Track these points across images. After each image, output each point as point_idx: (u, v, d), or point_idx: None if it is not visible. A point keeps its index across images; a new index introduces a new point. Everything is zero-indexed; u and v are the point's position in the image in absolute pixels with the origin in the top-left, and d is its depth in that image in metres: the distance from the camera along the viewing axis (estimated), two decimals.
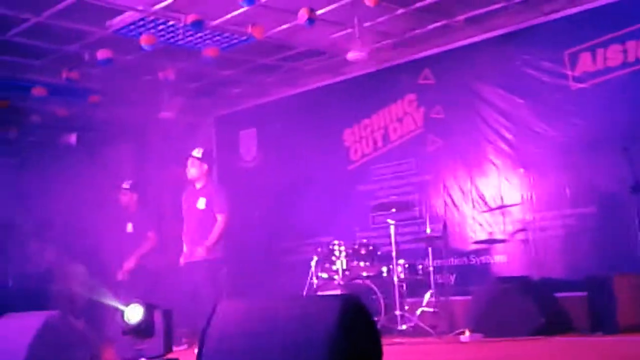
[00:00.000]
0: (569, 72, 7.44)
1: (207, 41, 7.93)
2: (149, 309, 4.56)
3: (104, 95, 9.11)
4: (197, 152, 7.36)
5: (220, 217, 7.18)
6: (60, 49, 7.91)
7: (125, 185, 8.52)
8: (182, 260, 7.25)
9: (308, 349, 3.26)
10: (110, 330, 4.84)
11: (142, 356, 4.49)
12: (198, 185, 7.35)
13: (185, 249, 7.30)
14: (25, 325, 4.59)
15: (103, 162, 10.60)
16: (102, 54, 7.61)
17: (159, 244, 8.35)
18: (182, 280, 7.24)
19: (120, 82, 8.89)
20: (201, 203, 7.26)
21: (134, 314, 4.55)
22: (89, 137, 10.39)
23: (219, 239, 7.17)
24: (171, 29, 7.51)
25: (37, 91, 8.45)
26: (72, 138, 10.11)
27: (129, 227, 8.38)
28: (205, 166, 7.36)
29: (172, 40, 7.80)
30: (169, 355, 4.60)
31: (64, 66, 8.14)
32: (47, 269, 8.86)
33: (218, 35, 7.80)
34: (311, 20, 6.87)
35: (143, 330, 4.51)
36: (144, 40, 7.24)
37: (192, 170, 7.32)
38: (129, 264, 8.16)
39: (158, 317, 4.58)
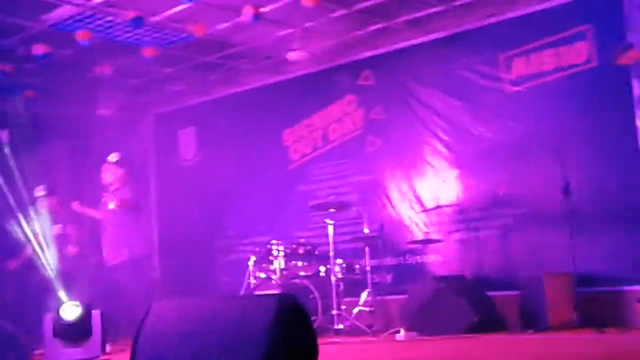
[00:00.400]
0: (505, 76, 7.60)
1: (147, 38, 7.83)
2: (87, 308, 4.49)
3: (39, 90, 8.91)
4: (112, 158, 7.56)
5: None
6: None
7: (40, 192, 8.39)
8: (106, 263, 7.49)
9: (245, 348, 3.27)
10: (40, 332, 4.74)
11: (76, 358, 4.42)
12: (111, 189, 7.64)
13: (104, 252, 7.57)
14: None
15: (37, 160, 10.35)
16: (38, 49, 7.45)
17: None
18: (106, 282, 7.34)
19: (57, 78, 8.72)
20: (112, 204, 7.53)
21: (70, 313, 4.47)
22: (22, 134, 10.13)
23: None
24: (110, 24, 7.39)
25: None
26: (3, 134, 9.86)
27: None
28: (121, 170, 7.53)
29: (110, 36, 7.69)
30: (103, 357, 4.54)
31: None
32: None
33: (158, 32, 7.72)
34: (257, 16, 6.84)
35: (79, 330, 4.43)
36: (80, 36, 7.13)
37: (106, 175, 7.67)
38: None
39: (96, 317, 4.52)
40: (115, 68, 8.42)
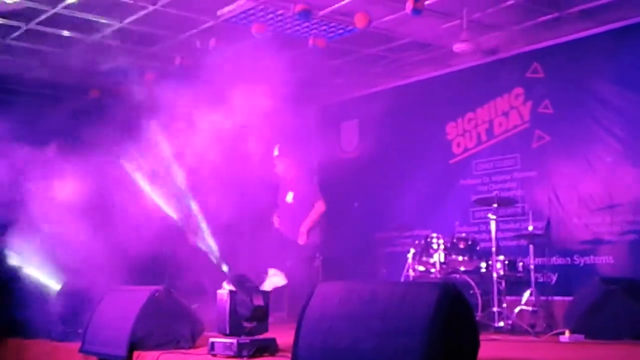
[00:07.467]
0: None
1: (314, 30, 8.00)
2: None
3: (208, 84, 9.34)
4: (275, 152, 7.50)
5: (317, 205, 7.34)
6: (174, 35, 8.16)
7: None
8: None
9: (406, 333, 3.27)
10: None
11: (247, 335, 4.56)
12: (288, 179, 7.61)
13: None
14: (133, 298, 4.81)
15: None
16: (213, 43, 7.84)
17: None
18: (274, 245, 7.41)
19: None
20: (289, 197, 7.48)
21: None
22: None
23: (314, 225, 7.30)
24: (279, 18, 7.62)
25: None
26: None
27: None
28: (287, 160, 7.48)
29: (279, 29, 7.93)
30: (266, 335, 4.68)
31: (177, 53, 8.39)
32: None
33: (325, 24, 7.86)
34: (416, 10, 6.79)
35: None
36: (256, 29, 7.41)
37: (278, 168, 7.58)
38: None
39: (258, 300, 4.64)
40: (283, 61, 8.63)
